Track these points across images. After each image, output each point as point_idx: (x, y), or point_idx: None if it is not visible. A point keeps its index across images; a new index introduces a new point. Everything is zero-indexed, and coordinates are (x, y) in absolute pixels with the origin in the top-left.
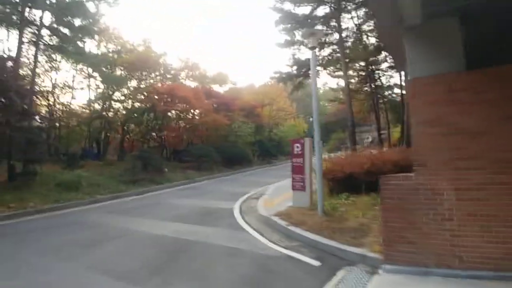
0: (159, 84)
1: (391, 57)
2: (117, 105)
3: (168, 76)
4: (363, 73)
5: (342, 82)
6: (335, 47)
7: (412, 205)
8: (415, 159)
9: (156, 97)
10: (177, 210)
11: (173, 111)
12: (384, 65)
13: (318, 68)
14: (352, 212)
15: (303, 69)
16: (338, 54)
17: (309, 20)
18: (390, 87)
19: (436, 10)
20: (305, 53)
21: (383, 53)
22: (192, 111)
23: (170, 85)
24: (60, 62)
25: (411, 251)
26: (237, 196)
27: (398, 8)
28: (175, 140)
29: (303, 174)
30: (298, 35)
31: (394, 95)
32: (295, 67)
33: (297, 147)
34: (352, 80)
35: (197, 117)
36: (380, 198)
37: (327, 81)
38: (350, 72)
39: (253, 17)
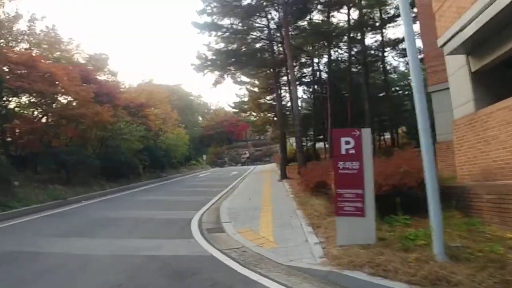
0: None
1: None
2: None
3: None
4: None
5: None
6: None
7: None
8: None
9: (6, 68)
10: None
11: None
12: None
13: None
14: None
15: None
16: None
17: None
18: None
19: None
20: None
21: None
22: (62, 97)
23: (29, 54)
24: None
25: None
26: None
27: None
28: (29, 138)
29: (359, 188)
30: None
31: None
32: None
33: (347, 142)
34: (256, 89)
35: (69, 107)
36: None
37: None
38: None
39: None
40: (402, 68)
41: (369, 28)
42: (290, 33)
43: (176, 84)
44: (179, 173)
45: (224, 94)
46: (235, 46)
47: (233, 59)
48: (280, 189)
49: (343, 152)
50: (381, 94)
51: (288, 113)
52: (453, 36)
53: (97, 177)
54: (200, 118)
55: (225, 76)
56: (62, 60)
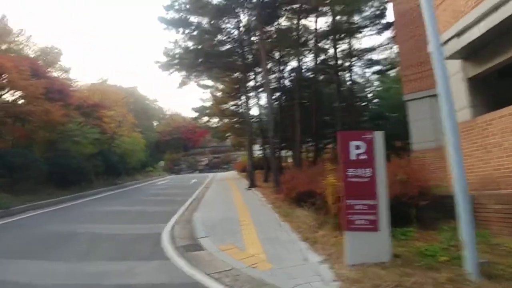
0: None
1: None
2: None
3: None
4: (236, 86)
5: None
6: None
7: None
8: None
9: None
10: None
11: None
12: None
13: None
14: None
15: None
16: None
17: None
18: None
19: None
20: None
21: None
22: (9, 92)
23: None
24: None
25: None
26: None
27: None
28: None
29: (371, 199)
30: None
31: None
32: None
33: (357, 147)
34: (219, 94)
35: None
36: None
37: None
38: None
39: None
40: (368, 78)
41: (338, 36)
42: (258, 38)
43: (132, 86)
44: (135, 180)
45: (182, 100)
46: (204, 46)
47: (201, 59)
48: (252, 199)
49: (352, 157)
50: (344, 104)
51: (252, 119)
52: (447, 41)
53: (45, 184)
54: (155, 123)
55: (192, 77)
56: (10, 52)
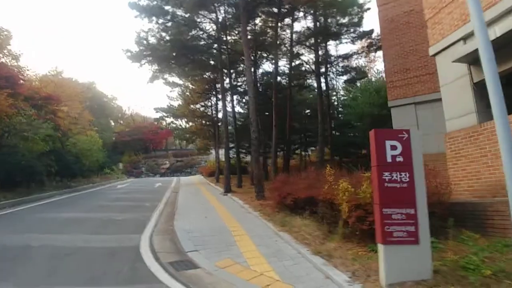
0: None
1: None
2: None
3: None
4: (207, 87)
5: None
6: None
7: None
8: None
9: None
10: None
11: None
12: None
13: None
14: None
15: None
16: None
17: None
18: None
19: None
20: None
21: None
22: None
23: None
24: None
25: None
26: None
27: None
28: None
29: (410, 207)
30: None
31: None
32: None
33: (393, 147)
34: (189, 93)
35: None
36: None
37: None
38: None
39: None
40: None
41: (319, 40)
42: (232, 39)
43: (90, 82)
44: (91, 183)
45: (144, 99)
46: (182, 38)
47: (176, 53)
48: (233, 205)
49: (389, 159)
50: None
51: (220, 123)
52: (453, 44)
53: None
54: (112, 123)
55: (164, 70)
56: None
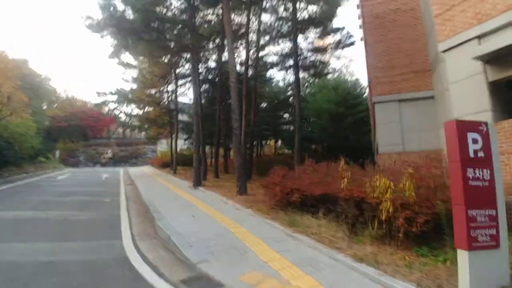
0: None
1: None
2: None
3: None
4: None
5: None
6: None
7: None
8: None
9: None
10: None
11: None
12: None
13: None
14: None
15: None
16: None
17: None
18: None
19: None
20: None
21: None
22: None
23: None
24: None
25: None
26: None
27: None
28: None
29: (492, 208)
30: None
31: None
32: None
33: (474, 141)
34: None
35: None
36: None
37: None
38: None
39: None
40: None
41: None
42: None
43: (22, 58)
44: (26, 173)
45: (83, 82)
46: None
47: (147, 26)
48: (214, 201)
49: (471, 154)
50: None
51: (173, 108)
52: (466, 41)
53: None
54: (45, 106)
55: (129, 45)
56: None
